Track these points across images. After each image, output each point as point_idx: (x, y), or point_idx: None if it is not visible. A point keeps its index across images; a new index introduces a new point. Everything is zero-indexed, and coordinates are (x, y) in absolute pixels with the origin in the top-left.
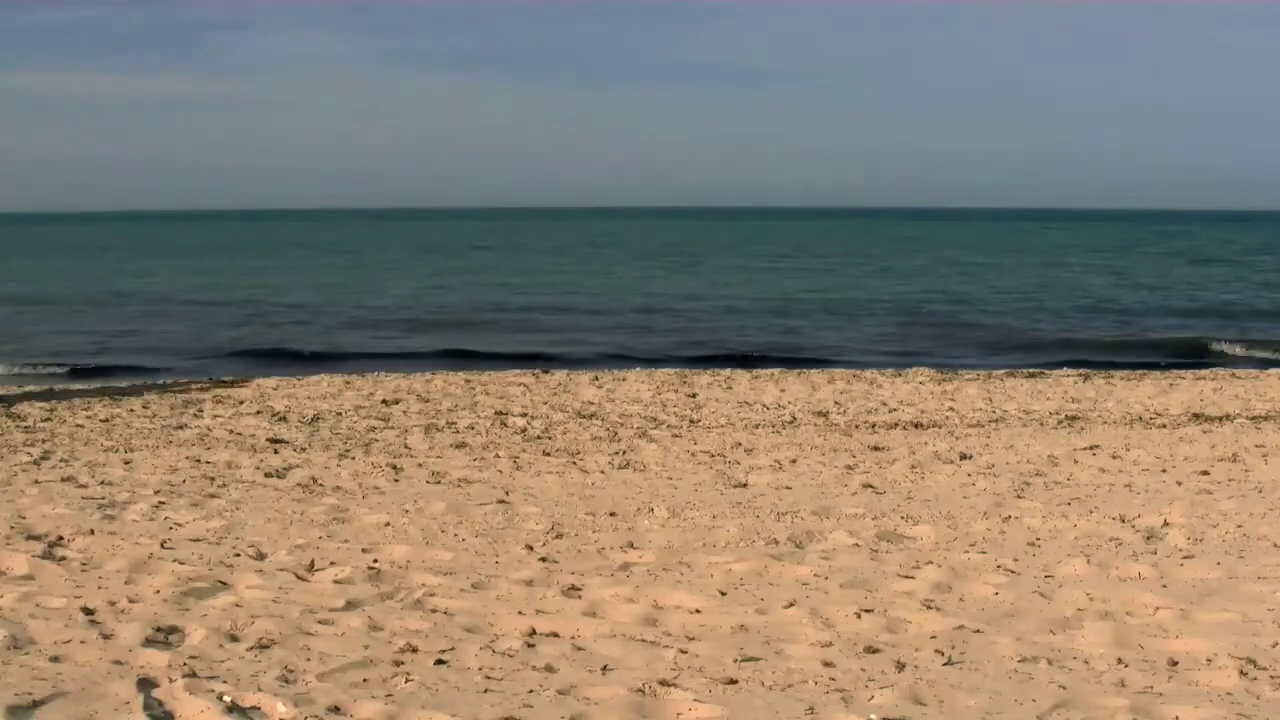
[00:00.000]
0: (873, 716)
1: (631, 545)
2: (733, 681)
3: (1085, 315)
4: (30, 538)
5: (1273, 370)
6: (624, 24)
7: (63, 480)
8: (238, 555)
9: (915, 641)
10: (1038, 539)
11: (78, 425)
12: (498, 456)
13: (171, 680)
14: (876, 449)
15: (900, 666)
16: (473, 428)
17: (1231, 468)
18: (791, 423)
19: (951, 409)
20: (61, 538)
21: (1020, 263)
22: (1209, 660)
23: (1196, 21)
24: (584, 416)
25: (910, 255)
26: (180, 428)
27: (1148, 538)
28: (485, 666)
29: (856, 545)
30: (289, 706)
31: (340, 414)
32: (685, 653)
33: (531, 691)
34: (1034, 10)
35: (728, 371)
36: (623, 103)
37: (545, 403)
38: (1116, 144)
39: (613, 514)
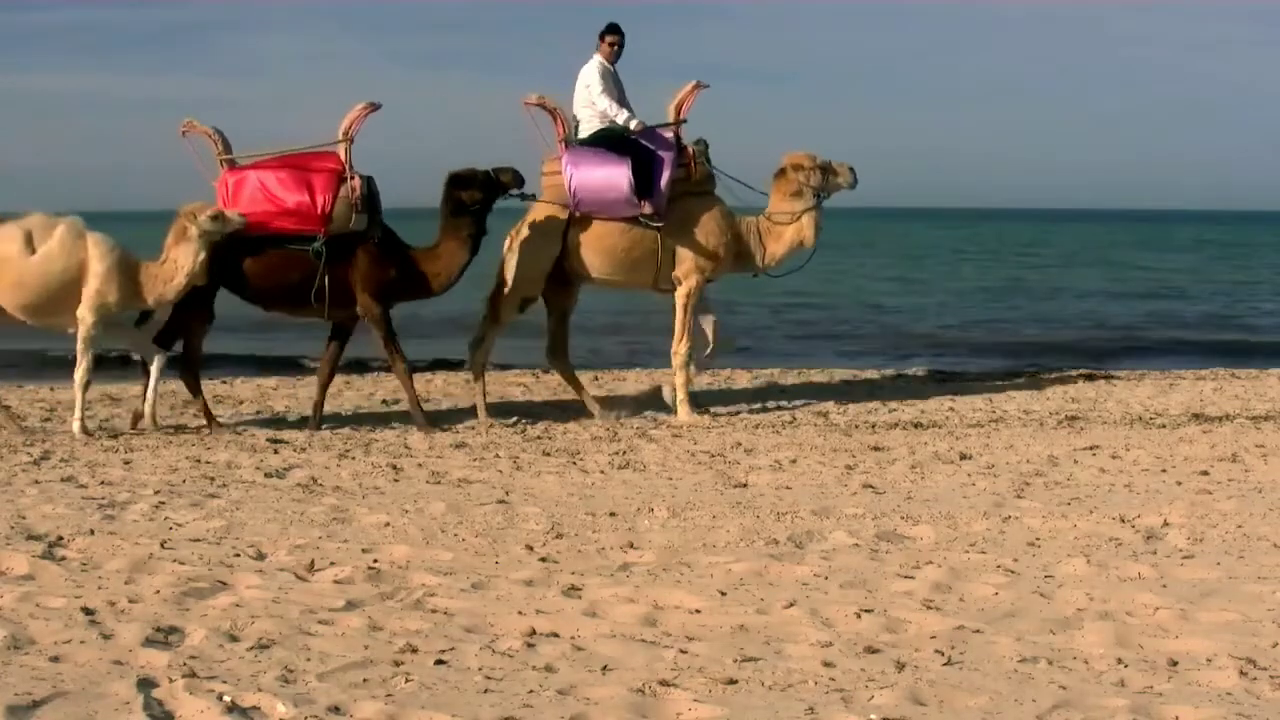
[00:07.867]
0: (873, 716)
1: (631, 545)
2: (733, 681)
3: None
4: (30, 538)
5: (1273, 370)
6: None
7: (63, 480)
8: (238, 555)
9: (915, 641)
10: (1038, 539)
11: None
12: (497, 456)
13: (171, 680)
14: (876, 449)
15: (900, 666)
16: (472, 428)
17: (1231, 468)
18: (791, 423)
19: (951, 409)
20: (61, 538)
21: None
22: (1209, 660)
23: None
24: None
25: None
26: (180, 428)
27: (1148, 538)
28: (485, 666)
29: (856, 545)
30: (289, 706)
31: (340, 414)
32: (685, 653)
33: (531, 691)
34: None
35: (727, 371)
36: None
37: (545, 402)
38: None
39: (613, 514)
